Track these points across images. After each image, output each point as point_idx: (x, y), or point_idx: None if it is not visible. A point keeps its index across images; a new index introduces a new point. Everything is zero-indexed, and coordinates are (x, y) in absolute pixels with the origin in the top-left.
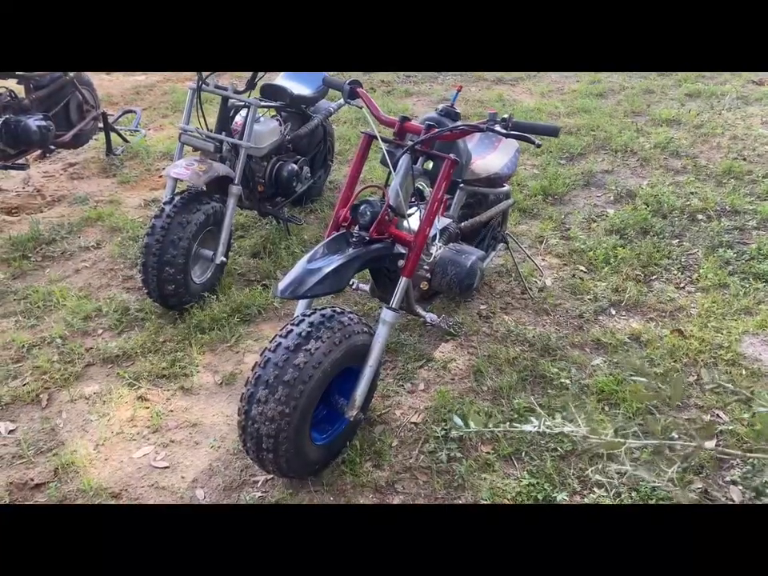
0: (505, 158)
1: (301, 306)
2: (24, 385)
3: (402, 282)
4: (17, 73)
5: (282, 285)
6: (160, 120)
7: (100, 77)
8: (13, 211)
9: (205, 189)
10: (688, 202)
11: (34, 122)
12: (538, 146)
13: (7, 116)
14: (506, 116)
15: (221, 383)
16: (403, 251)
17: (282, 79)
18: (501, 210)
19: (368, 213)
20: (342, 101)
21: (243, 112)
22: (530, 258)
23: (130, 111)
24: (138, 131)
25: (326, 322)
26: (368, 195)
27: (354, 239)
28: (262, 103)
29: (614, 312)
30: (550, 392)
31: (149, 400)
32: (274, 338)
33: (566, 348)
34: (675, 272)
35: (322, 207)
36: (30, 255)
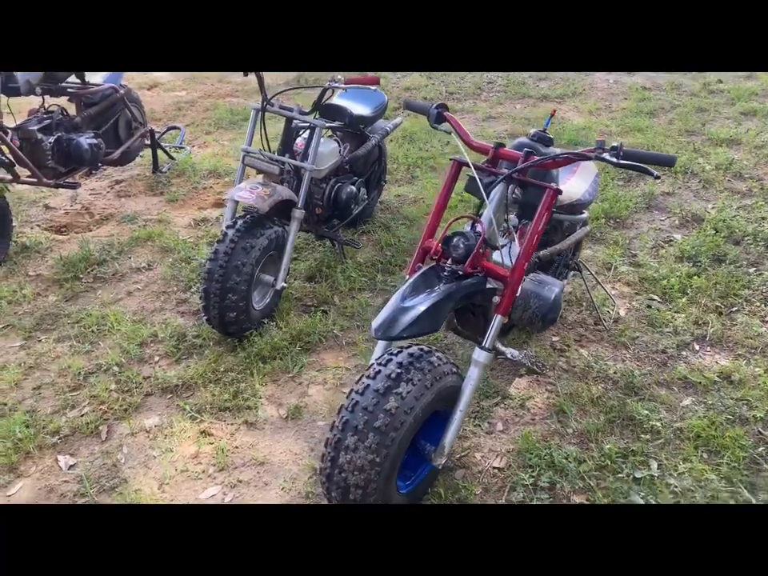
0: (585, 183)
1: (380, 343)
2: (82, 415)
3: (497, 320)
4: (68, 90)
5: (375, 324)
6: (203, 137)
7: (142, 92)
8: (62, 229)
9: (266, 212)
10: (760, 228)
11: (85, 140)
12: (657, 177)
13: (59, 134)
14: (615, 144)
15: (286, 417)
16: (496, 286)
17: (339, 99)
18: (579, 239)
19: (462, 245)
20: (398, 120)
21: (304, 133)
22: (602, 286)
23: (174, 128)
24: (182, 148)
25: (416, 362)
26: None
27: (445, 274)
28: (327, 124)
29: (697, 347)
30: (642, 436)
31: (212, 435)
32: (360, 379)
33: (651, 386)
34: (758, 303)
35: (375, 229)
36: (81, 276)
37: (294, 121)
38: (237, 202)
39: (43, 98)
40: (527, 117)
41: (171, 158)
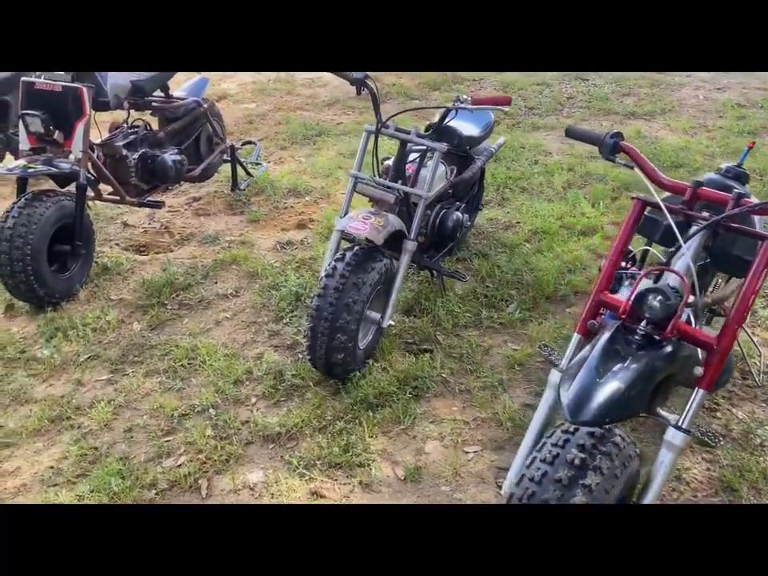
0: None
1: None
2: (179, 465)
3: (699, 395)
4: (153, 104)
5: (569, 403)
6: (279, 152)
7: None
8: (141, 249)
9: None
10: None
11: (169, 156)
12: None
13: (143, 150)
14: None
15: (404, 479)
16: (694, 353)
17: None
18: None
19: (659, 305)
20: (501, 140)
21: (411, 156)
22: (746, 332)
23: (250, 142)
24: (259, 164)
25: (599, 444)
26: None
27: (638, 339)
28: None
29: None
30: None
31: (325, 497)
32: (532, 463)
33: None
34: None
35: (470, 257)
36: (166, 302)
37: (409, 144)
38: (341, 232)
39: (129, 112)
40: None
41: (249, 174)
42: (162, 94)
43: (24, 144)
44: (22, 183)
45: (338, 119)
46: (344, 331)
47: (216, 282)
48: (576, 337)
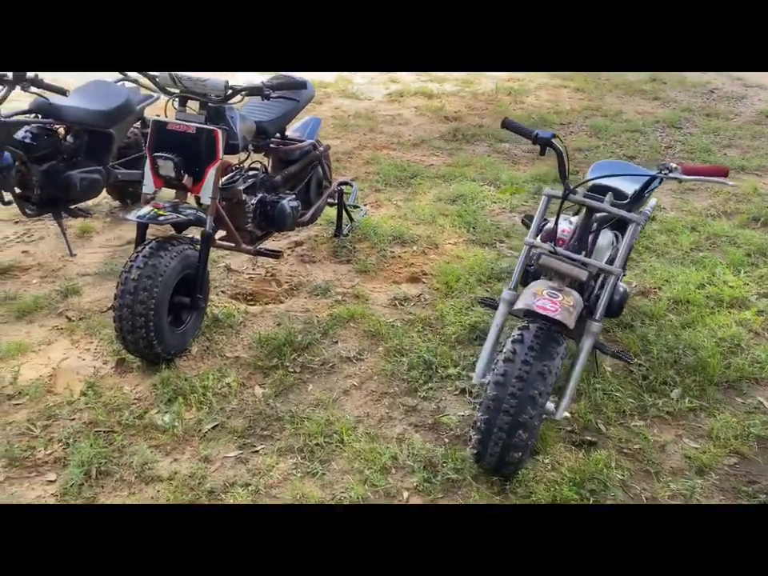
0: None
1: None
2: None
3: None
4: (271, 145)
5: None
6: (374, 195)
7: None
8: (249, 299)
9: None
10: None
11: (288, 203)
12: None
13: (262, 195)
14: None
15: None
16: None
17: (595, 172)
18: None
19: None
20: (653, 201)
21: (572, 218)
22: None
23: (346, 183)
24: (357, 207)
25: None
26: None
27: None
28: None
29: None
30: None
31: None
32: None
33: None
34: None
35: (612, 326)
36: (287, 364)
37: (596, 214)
38: (509, 305)
39: (249, 154)
40: (728, 194)
41: (351, 219)
42: (278, 135)
43: (149, 187)
44: (143, 230)
45: (427, 160)
46: (526, 428)
47: (336, 342)
48: None
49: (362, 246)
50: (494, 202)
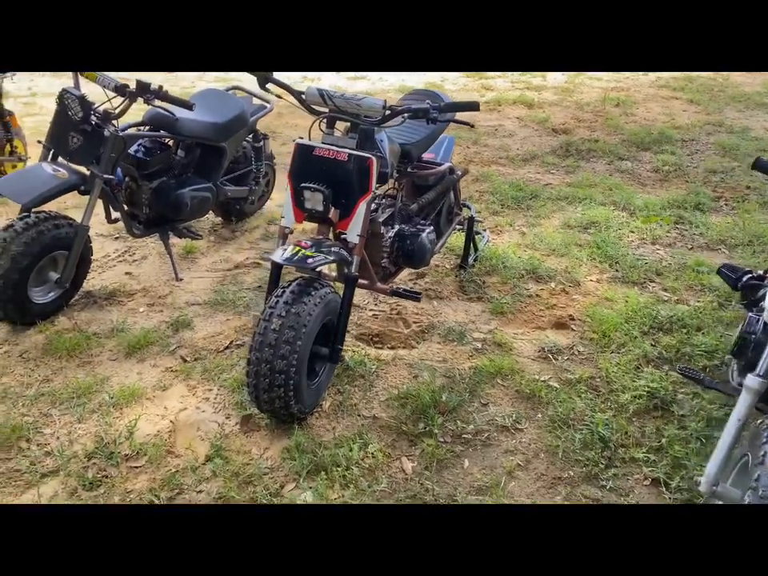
0: None
1: None
2: None
3: None
4: (408, 170)
5: None
6: (492, 218)
7: None
8: (375, 341)
9: None
10: None
11: (427, 236)
12: None
13: (399, 227)
14: None
15: None
16: None
17: None
18: None
19: None
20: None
21: None
22: None
23: (464, 206)
24: (479, 233)
25: None
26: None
27: None
28: None
29: None
30: None
31: None
32: None
33: None
34: None
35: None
36: (436, 431)
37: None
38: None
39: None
40: None
41: (476, 248)
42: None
43: (288, 221)
44: (279, 269)
45: (543, 178)
46: None
47: (486, 405)
48: None
49: (492, 281)
50: (632, 231)
